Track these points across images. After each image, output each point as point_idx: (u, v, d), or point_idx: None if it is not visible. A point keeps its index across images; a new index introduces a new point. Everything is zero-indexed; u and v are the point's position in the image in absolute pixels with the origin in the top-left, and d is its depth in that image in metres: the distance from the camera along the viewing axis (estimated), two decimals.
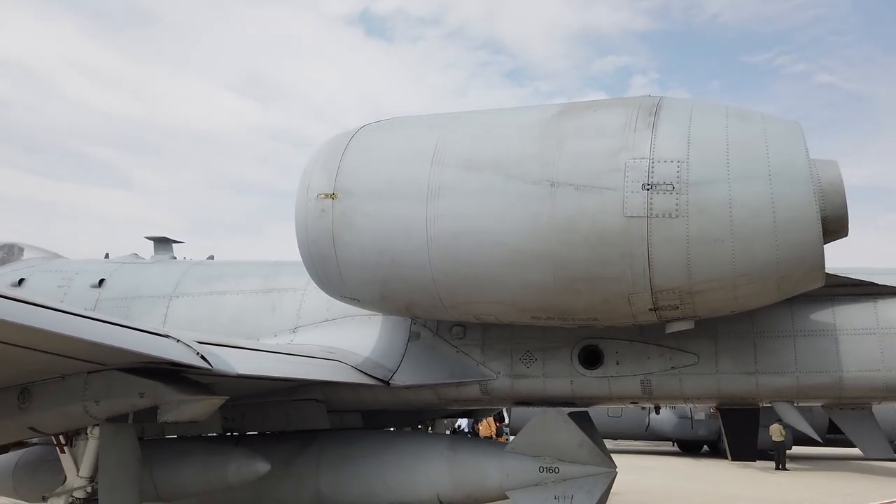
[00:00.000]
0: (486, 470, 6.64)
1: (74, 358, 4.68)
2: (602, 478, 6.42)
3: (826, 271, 6.14)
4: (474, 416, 12.60)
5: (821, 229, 4.63)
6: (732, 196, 4.60)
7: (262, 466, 6.23)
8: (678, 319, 5.21)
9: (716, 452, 33.30)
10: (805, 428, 6.35)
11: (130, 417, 5.16)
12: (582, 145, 5.01)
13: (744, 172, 4.63)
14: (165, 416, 5.06)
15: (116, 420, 5.19)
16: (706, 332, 6.11)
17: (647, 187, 4.70)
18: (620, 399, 6.72)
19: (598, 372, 6.38)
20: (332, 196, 5.60)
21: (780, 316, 6.01)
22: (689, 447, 35.70)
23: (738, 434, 6.70)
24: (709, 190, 4.63)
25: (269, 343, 7.35)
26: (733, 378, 6.05)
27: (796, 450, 31.70)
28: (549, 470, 6.50)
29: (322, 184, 5.67)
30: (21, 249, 10.36)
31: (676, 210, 4.64)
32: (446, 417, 10.82)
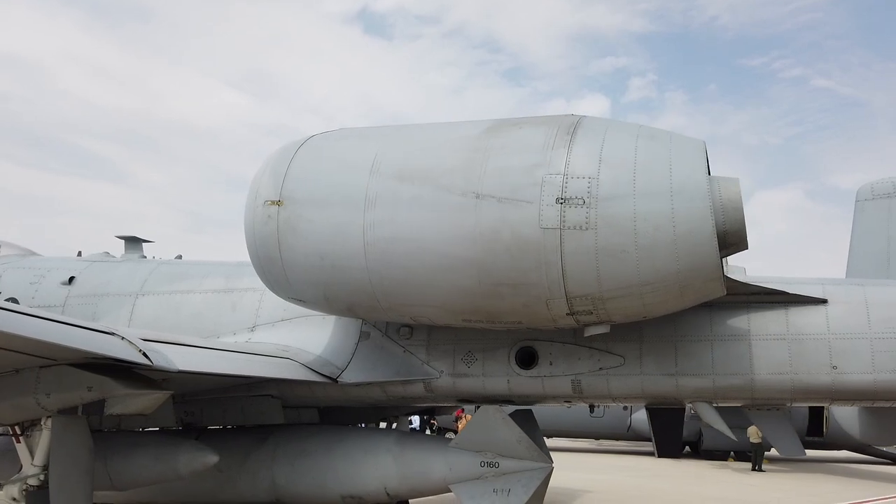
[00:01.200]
0: (431, 464, 6.99)
1: (26, 353, 5.02)
2: (538, 472, 6.77)
3: (744, 280, 6.57)
4: (436, 413, 12.88)
5: (716, 242, 4.99)
6: (637, 210, 4.97)
7: (212, 458, 6.56)
8: (595, 324, 5.57)
9: (696, 453, 33.77)
10: (722, 427, 6.71)
11: (80, 410, 5.51)
12: (505, 160, 5.36)
13: (648, 189, 5.00)
14: (112, 409, 5.41)
15: (67, 412, 5.54)
16: (633, 335, 6.48)
17: (560, 201, 5.06)
18: (554, 398, 7.09)
19: (533, 372, 6.74)
20: (279, 203, 5.94)
21: (700, 321, 6.39)
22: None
23: (664, 432, 7.06)
24: (616, 205, 5.00)
25: (227, 341, 7.70)
26: (655, 379, 6.42)
27: (775, 451, 32.20)
28: (489, 465, 6.84)
29: (269, 191, 6.00)
30: None
31: (586, 223, 5.00)
32: (409, 415, 11.16)
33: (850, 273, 8.51)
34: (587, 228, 5.00)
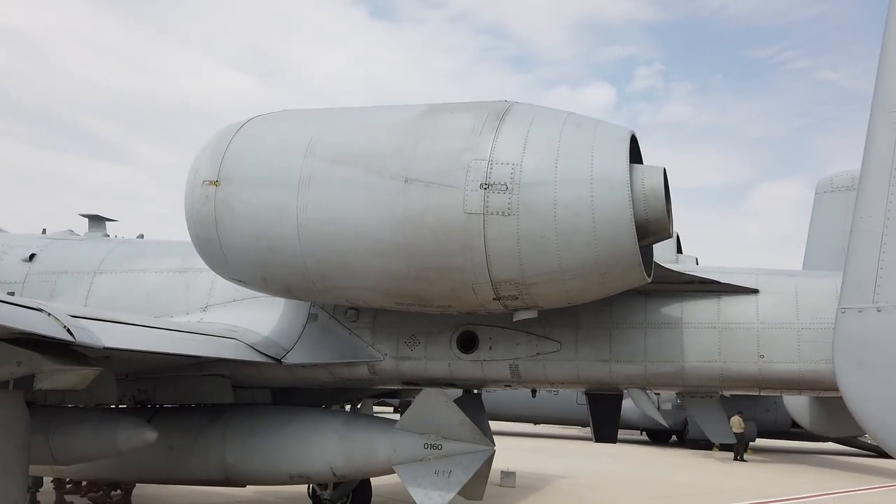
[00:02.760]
0: (376, 445, 7.07)
1: None
2: (480, 455, 6.85)
3: (678, 269, 6.60)
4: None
5: (634, 230, 5.02)
6: (557, 197, 4.99)
7: (150, 435, 6.64)
8: (522, 309, 5.62)
9: (682, 442, 33.96)
10: (655, 415, 6.79)
11: (11, 384, 5.57)
12: (435, 145, 5.39)
13: (569, 176, 5.02)
14: (41, 384, 5.48)
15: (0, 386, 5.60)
16: (570, 321, 6.53)
17: (484, 187, 5.09)
18: (494, 382, 7.15)
19: (473, 356, 6.79)
20: (216, 183, 5.97)
21: (635, 309, 6.43)
22: (658, 437, 36.38)
23: (601, 417, 7.15)
24: (537, 191, 5.02)
25: (177, 321, 7.76)
26: (590, 365, 6.48)
27: (762, 442, 32.40)
28: (432, 447, 6.91)
29: (207, 171, 6.03)
30: None
31: (509, 209, 5.03)
32: (373, 397, 11.25)
33: (807, 266, 8.54)
34: (509, 214, 5.03)
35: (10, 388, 5.59)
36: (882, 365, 3.31)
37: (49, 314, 5.16)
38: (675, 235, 8.02)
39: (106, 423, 6.68)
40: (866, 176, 3.54)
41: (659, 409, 33.37)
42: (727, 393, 6.71)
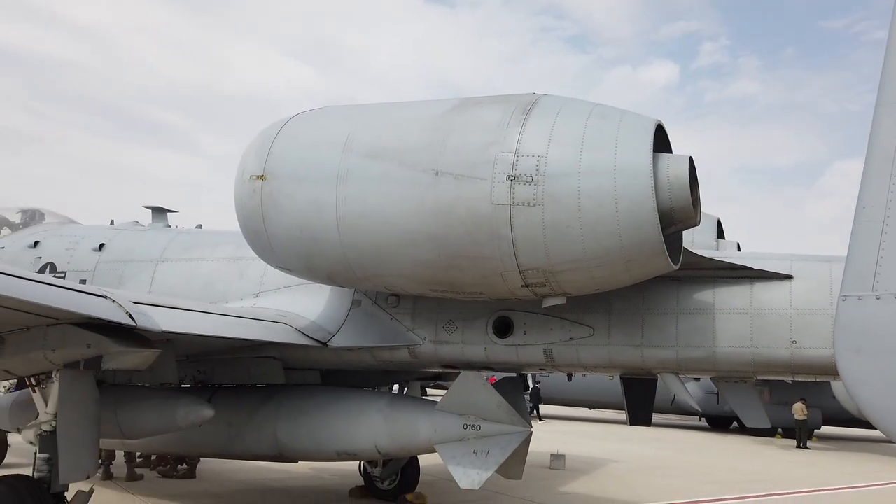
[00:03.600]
0: (418, 425, 7.38)
1: (32, 314, 5.64)
2: (517, 436, 7.06)
3: (717, 255, 6.64)
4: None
5: (657, 219, 5.11)
6: (581, 188, 5.13)
7: (207, 412, 7.15)
8: (550, 295, 5.80)
9: (743, 429, 33.24)
10: (688, 399, 6.84)
11: (82, 364, 6.14)
12: (464, 139, 5.60)
13: (592, 167, 5.15)
14: (108, 365, 6.02)
15: (72, 366, 6.19)
16: (602, 307, 6.67)
17: (510, 178, 5.28)
18: (528, 366, 7.36)
19: (508, 341, 7.01)
20: (262, 178, 6.35)
21: (667, 295, 6.50)
22: (718, 423, 35.70)
23: (636, 401, 7.25)
24: (562, 182, 5.18)
25: (232, 306, 8.26)
26: (622, 350, 6.60)
27: (828, 430, 31.40)
28: (472, 427, 7.18)
29: (254, 166, 6.42)
30: (42, 215, 11.62)
31: (534, 199, 5.21)
32: (422, 380, 11.63)
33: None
34: (535, 204, 5.21)
35: (81, 367, 6.17)
36: (879, 351, 3.37)
37: (113, 301, 5.66)
38: (716, 221, 8.00)
39: (168, 401, 7.22)
40: (869, 166, 3.55)
41: (718, 393, 32.80)
42: (760, 377, 6.70)
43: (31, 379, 6.50)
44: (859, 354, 3.41)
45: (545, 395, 34.78)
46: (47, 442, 6.32)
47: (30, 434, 6.46)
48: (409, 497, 11.07)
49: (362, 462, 11.53)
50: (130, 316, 5.56)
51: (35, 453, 6.52)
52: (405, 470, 11.43)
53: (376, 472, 11.47)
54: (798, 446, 26.82)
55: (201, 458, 12.98)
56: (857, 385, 3.43)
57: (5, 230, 11.73)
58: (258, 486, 12.27)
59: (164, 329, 5.80)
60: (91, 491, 6.46)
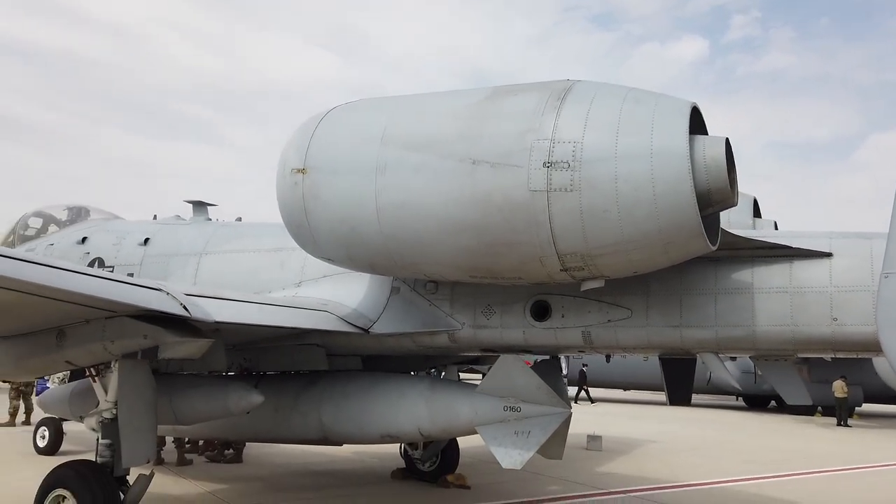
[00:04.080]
0: (459, 408, 7.53)
1: (91, 307, 5.94)
2: (557, 417, 7.17)
3: (754, 234, 6.66)
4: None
5: (695, 201, 5.15)
6: (618, 172, 5.19)
7: (257, 398, 7.41)
8: (589, 279, 5.89)
9: (781, 408, 32.90)
10: (728, 378, 6.88)
11: (139, 354, 6.44)
12: (499, 127, 5.69)
13: (629, 151, 5.21)
14: (164, 354, 6.31)
15: (130, 356, 6.49)
16: (640, 289, 6.73)
17: (547, 165, 5.36)
18: (567, 348, 7.46)
19: (546, 324, 7.12)
20: (303, 171, 6.53)
21: (705, 275, 6.54)
22: (756, 402, 35.40)
23: (675, 381, 7.31)
24: (598, 167, 5.24)
25: (274, 296, 8.51)
26: (660, 330, 6.66)
27: (870, 407, 30.92)
28: (512, 409, 7.30)
29: (294, 160, 6.59)
30: (88, 211, 12.04)
31: (571, 185, 5.29)
32: (458, 364, 11.81)
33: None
34: (572, 190, 5.29)
35: (139, 357, 6.48)
36: None
37: (168, 293, 5.92)
38: (752, 200, 7.98)
39: (219, 388, 7.51)
40: None
41: (755, 373, 32.52)
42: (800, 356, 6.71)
43: (91, 369, 6.82)
44: None
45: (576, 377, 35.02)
46: (109, 429, 6.65)
47: (92, 421, 6.81)
48: (449, 478, 11.33)
49: (403, 445, 11.80)
50: (185, 307, 5.82)
51: (97, 440, 6.87)
52: (445, 452, 11.67)
53: (417, 454, 11.74)
54: (839, 424, 26.56)
55: (247, 444, 13.43)
56: None
57: (52, 227, 12.18)
58: (302, 470, 12.66)
59: (217, 319, 6.05)
60: (151, 475, 6.79)
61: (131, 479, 6.82)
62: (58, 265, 5.56)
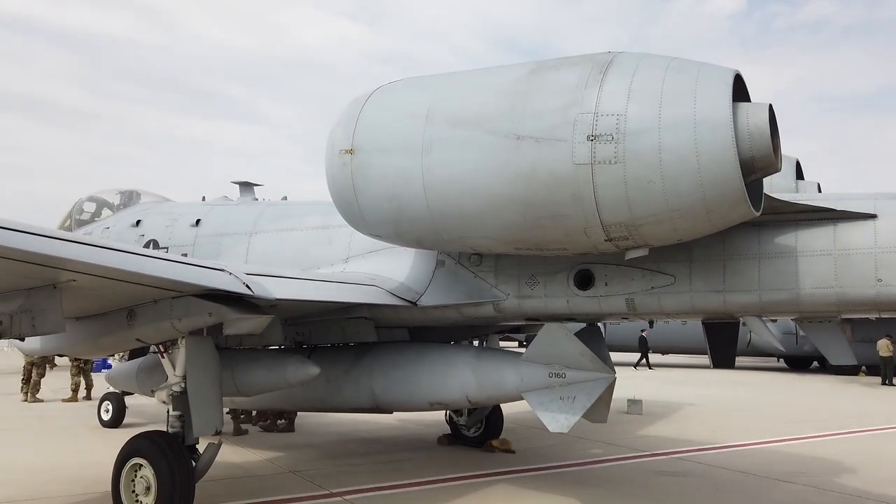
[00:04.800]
0: (505, 375, 7.80)
1: (161, 288, 6.31)
2: (601, 382, 7.37)
3: (798, 197, 6.71)
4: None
5: (739, 169, 5.23)
6: (662, 143, 5.29)
7: (313, 370, 7.78)
8: (633, 248, 6.04)
9: (824, 369, 32.62)
10: (769, 338, 6.98)
11: (205, 331, 6.82)
12: (542, 102, 5.80)
13: (672, 122, 5.29)
14: (228, 331, 6.68)
15: (196, 333, 6.88)
16: (682, 255, 6.85)
17: (591, 138, 5.48)
18: (610, 315, 7.63)
19: (590, 292, 7.30)
20: (351, 152, 6.75)
21: (748, 240, 6.61)
22: (797, 363, 35.15)
23: (718, 344, 7.43)
24: (642, 139, 5.34)
25: (323, 272, 8.84)
26: (704, 296, 6.78)
27: None
28: (556, 375, 7.52)
29: (342, 141, 6.81)
30: (139, 195, 12.52)
31: (615, 157, 5.41)
32: (498, 333, 12.08)
33: None
34: (616, 162, 5.41)
35: (205, 334, 6.86)
36: None
37: (230, 273, 6.26)
38: (794, 162, 7.97)
39: (278, 361, 7.90)
40: None
41: (796, 334, 32.08)
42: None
43: (160, 346, 7.24)
44: None
45: (619, 342, 34.63)
46: (179, 401, 7.08)
47: (163, 394, 7.25)
48: (494, 443, 11.68)
49: (448, 412, 12.17)
50: (248, 286, 6.15)
51: (167, 412, 7.33)
52: (489, 418, 12.01)
53: (462, 420, 12.11)
54: (883, 383, 26.36)
55: (298, 413, 13.98)
56: None
57: (106, 211, 12.71)
58: (352, 437, 13.15)
59: (278, 296, 6.37)
60: (220, 443, 7.22)
61: (200, 447, 7.27)
62: (133, 251, 5.94)
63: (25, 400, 18.72)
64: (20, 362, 21.14)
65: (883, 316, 6.71)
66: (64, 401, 18.78)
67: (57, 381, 22.68)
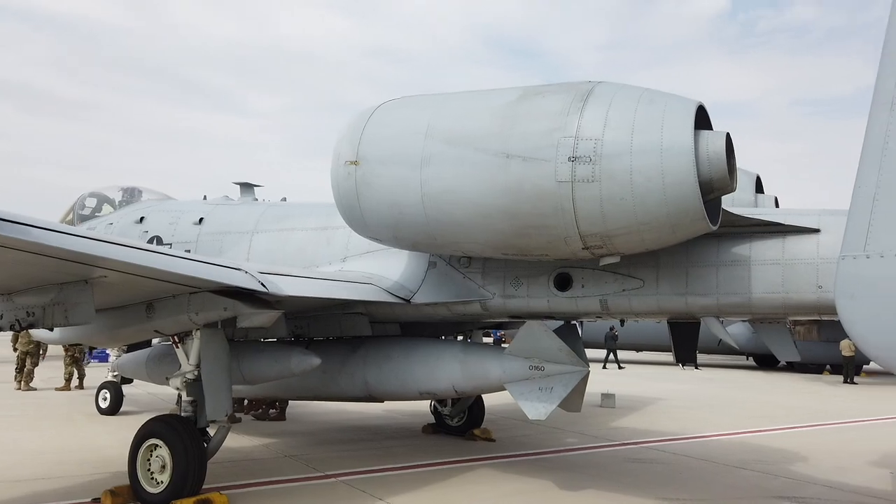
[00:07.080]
0: (489, 367, 8.53)
1: (180, 284, 6.96)
2: (576, 374, 8.13)
3: (755, 211, 7.55)
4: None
5: (699, 190, 6.05)
6: (633, 166, 6.08)
7: (315, 361, 8.46)
8: (607, 255, 6.83)
9: (791, 367, 33.85)
10: (726, 338, 7.83)
11: (219, 324, 7.49)
12: (530, 126, 6.56)
13: (642, 147, 6.08)
14: (241, 324, 7.34)
15: (210, 326, 7.54)
16: (651, 262, 7.66)
17: (571, 159, 6.25)
18: (586, 314, 8.44)
19: (568, 293, 8.08)
20: (355, 163, 7.45)
21: (708, 249, 7.45)
22: (766, 362, 36.38)
23: (682, 342, 8.28)
24: (616, 161, 6.13)
25: (323, 270, 9.52)
26: (669, 298, 7.61)
27: (876, 366, 31.77)
28: (536, 368, 8.28)
29: (348, 153, 7.51)
30: (140, 192, 13.07)
31: (592, 176, 6.19)
32: (481, 328, 12.84)
33: None
34: (593, 181, 6.18)
35: (219, 327, 7.53)
36: (867, 297, 4.34)
37: (246, 272, 6.93)
38: (755, 178, 8.82)
39: (282, 352, 8.57)
40: (864, 156, 4.41)
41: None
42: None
43: (175, 337, 7.89)
44: (853, 300, 4.39)
45: (594, 340, 35.29)
46: (192, 387, 7.75)
47: (176, 381, 7.89)
48: (476, 432, 12.44)
49: (433, 402, 12.92)
50: (262, 284, 6.83)
51: (180, 397, 7.98)
52: (472, 408, 12.77)
53: (446, 410, 12.85)
54: (845, 381, 27.49)
55: (289, 403, 14.62)
56: (851, 324, 4.43)
57: (107, 207, 13.24)
58: (341, 426, 13.84)
59: (288, 293, 7.06)
60: (229, 426, 7.89)
61: (212, 431, 7.93)
62: (159, 250, 6.57)
63: (19, 388, 19.14)
64: (9, 352, 21.53)
65: (823, 318, 7.56)
66: (57, 389, 19.22)
67: (48, 370, 23.04)
